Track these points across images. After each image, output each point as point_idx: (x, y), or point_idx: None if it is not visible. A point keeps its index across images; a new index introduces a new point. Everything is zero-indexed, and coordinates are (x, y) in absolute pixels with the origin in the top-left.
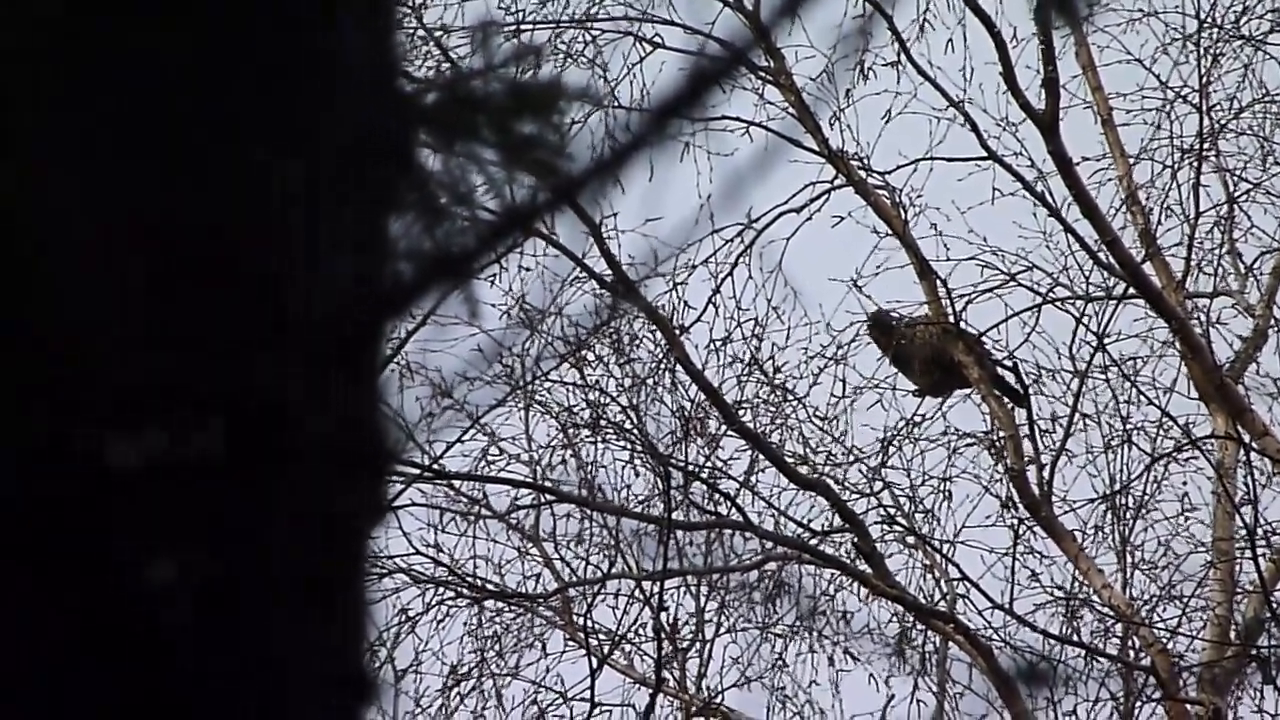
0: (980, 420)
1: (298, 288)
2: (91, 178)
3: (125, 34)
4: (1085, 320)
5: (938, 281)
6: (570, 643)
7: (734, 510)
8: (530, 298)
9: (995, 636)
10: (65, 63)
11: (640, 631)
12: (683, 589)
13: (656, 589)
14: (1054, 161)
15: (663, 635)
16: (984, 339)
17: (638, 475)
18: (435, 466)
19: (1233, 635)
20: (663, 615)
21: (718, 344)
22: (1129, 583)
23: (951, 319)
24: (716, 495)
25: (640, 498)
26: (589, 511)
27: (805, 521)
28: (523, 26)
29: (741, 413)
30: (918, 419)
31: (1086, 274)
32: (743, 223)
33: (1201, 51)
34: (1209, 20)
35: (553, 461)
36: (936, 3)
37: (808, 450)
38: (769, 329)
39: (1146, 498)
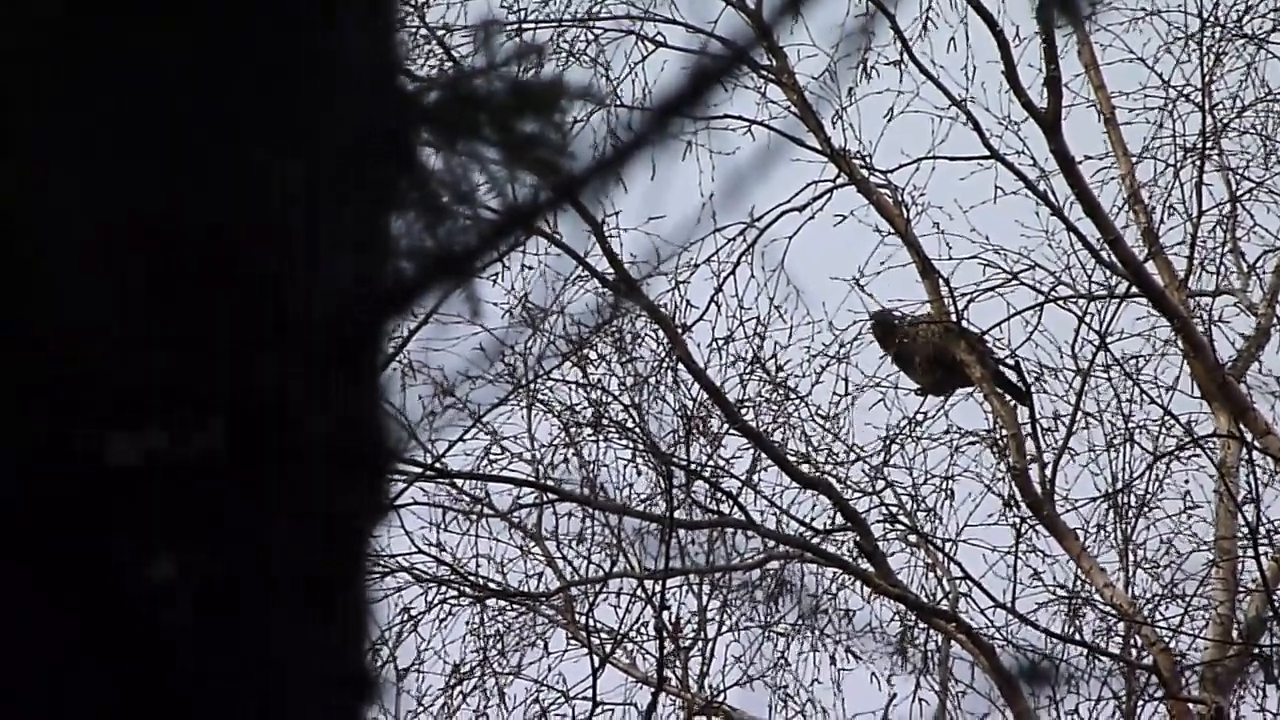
0: (982, 419)
1: (298, 288)
2: (91, 178)
3: (125, 34)
4: (1087, 319)
5: (940, 280)
6: (572, 642)
7: (736, 509)
8: (532, 296)
9: (997, 635)
10: (65, 63)
11: (642, 630)
12: (685, 588)
13: (658, 588)
14: (1056, 160)
15: (665, 634)
16: (986, 338)
17: (640, 474)
18: (437, 465)
19: (1235, 634)
20: (665, 614)
21: (720, 343)
22: (1131, 582)
23: (953, 318)
24: (719, 494)
25: (642, 496)
26: (591, 510)
27: (807, 520)
28: (525, 25)
29: (744, 411)
30: (920, 418)
31: (1089, 273)
32: (745, 221)
33: (1204, 50)
34: (1211, 19)
35: (555, 460)
36: (939, 1)
37: (810, 449)
38: (771, 328)
39: (1149, 496)
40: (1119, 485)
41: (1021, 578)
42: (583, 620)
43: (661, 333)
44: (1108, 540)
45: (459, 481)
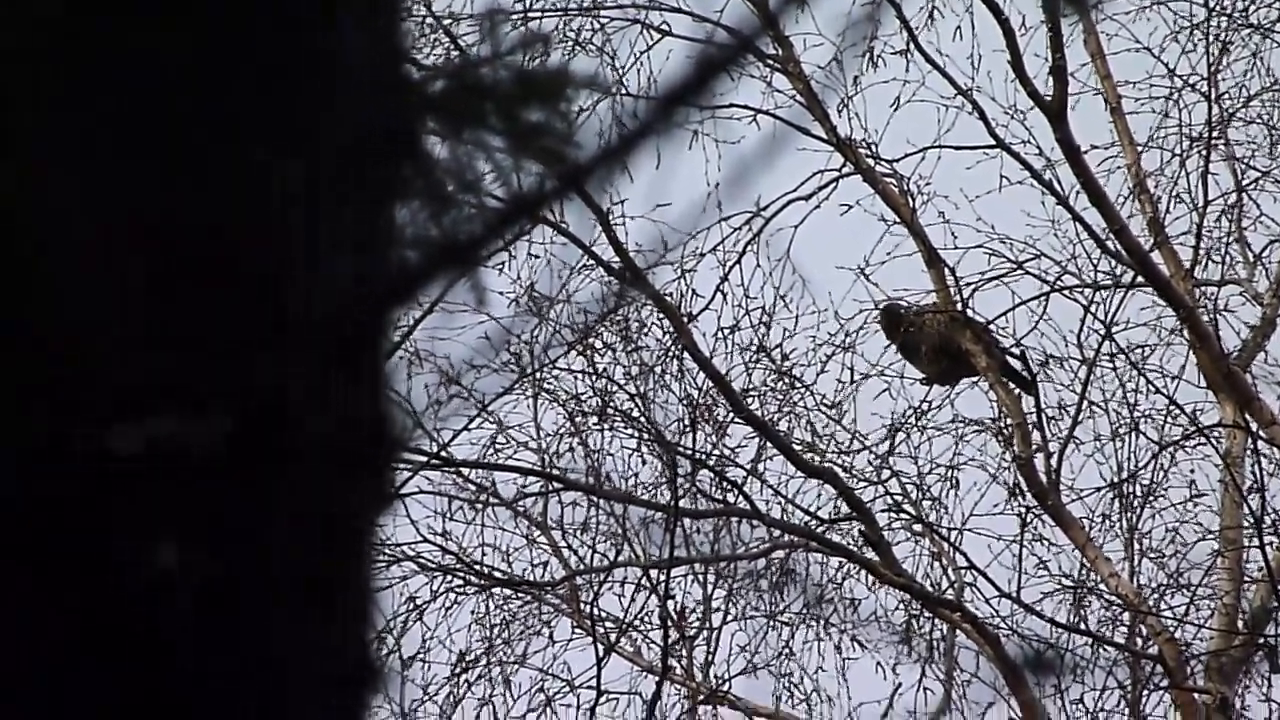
0: (988, 408)
1: (298, 288)
2: (91, 178)
3: (125, 34)
4: (1093, 308)
5: (945, 269)
6: (577, 630)
7: (741, 498)
8: (538, 285)
9: (1002, 625)
10: (65, 63)
11: (647, 619)
12: (690, 577)
13: (663, 577)
14: (1062, 150)
15: (670, 623)
16: (992, 327)
17: (645, 463)
18: (443, 454)
19: (1240, 624)
20: (670, 603)
21: (725, 332)
22: (1136, 571)
23: (959, 307)
24: (724, 483)
25: (648, 485)
26: (596, 499)
27: (812, 509)
28: (530, 14)
29: (749, 400)
30: (925, 407)
31: (1094, 262)
32: (751, 210)
33: (1210, 39)
34: (1217, 8)
35: (560, 449)
36: None
37: (815, 438)
38: (777, 317)
39: (1154, 486)
40: (1124, 475)
41: (1027, 567)
42: (588, 609)
43: (667, 322)
44: (1113, 530)
45: (464, 470)
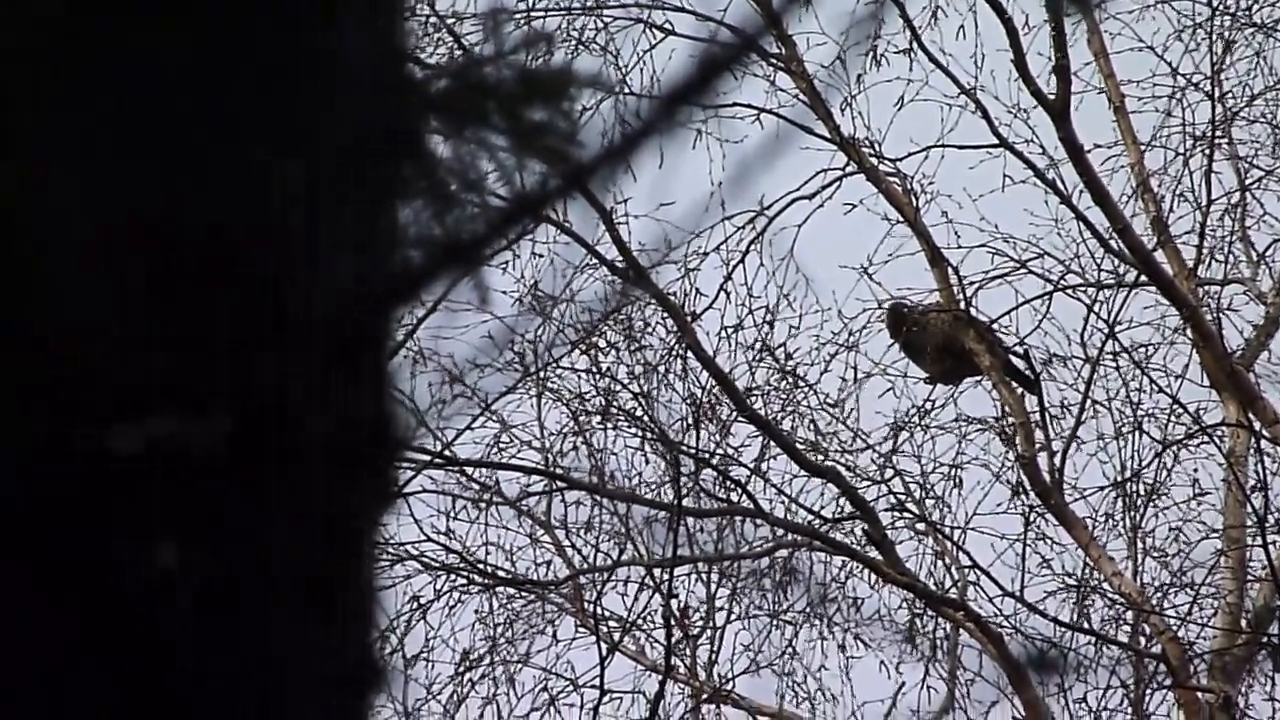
0: (991, 407)
1: (298, 288)
2: (91, 178)
3: (125, 34)
4: (1096, 307)
5: (949, 269)
6: (581, 629)
7: (745, 497)
8: (541, 284)
9: (1006, 624)
10: (65, 63)
11: (650, 618)
12: (693, 576)
13: (667, 576)
14: (1065, 149)
15: (673, 622)
16: (995, 326)
17: (648, 462)
18: (446, 453)
19: (1244, 623)
20: (673, 602)
21: (729, 331)
22: (1140, 570)
23: (962, 306)
24: (727, 482)
25: (651, 485)
26: (600, 498)
27: (816, 508)
28: (534, 13)
29: (752, 399)
30: (928, 406)
31: (1098, 261)
32: (754, 210)
33: (1214, 38)
34: (1221, 7)
35: (564, 448)
36: None
37: (818, 437)
38: (780, 316)
39: (1157, 485)
40: (1128, 474)
41: (1030, 566)
42: (591, 608)
43: (670, 321)
44: (1116, 529)
45: (468, 469)
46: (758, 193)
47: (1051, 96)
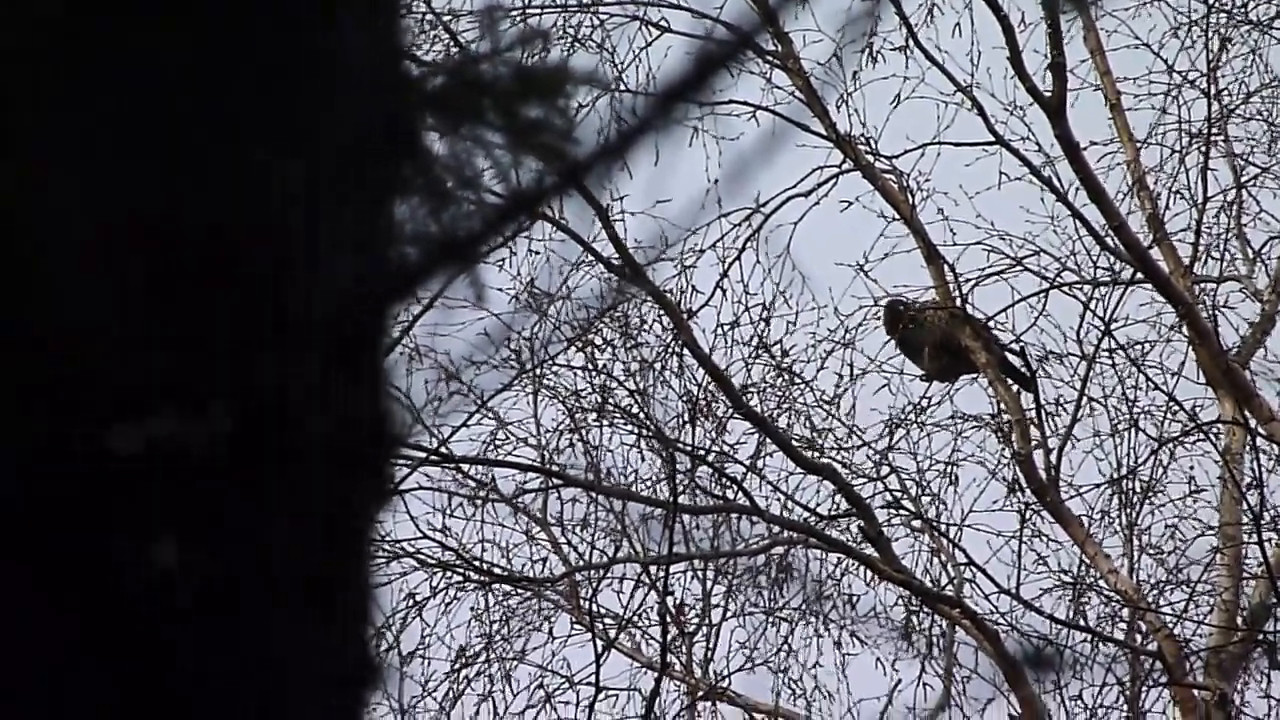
0: (987, 404)
1: (298, 288)
2: (91, 178)
3: (125, 34)
4: (1092, 305)
5: (944, 266)
6: (577, 626)
7: (741, 494)
8: (538, 281)
9: (1002, 621)
10: (65, 63)
11: (646, 615)
12: (689, 573)
13: (663, 573)
14: (1061, 146)
15: (669, 619)
16: (991, 323)
17: (644, 459)
18: (442, 450)
19: (1239, 620)
20: (669, 599)
21: (725, 328)
22: (1135, 567)
23: (958, 303)
24: (723, 479)
25: (647, 482)
26: (596, 495)
27: (812, 506)
28: (529, 10)
29: (748, 397)
30: (924, 403)
31: (1094, 258)
32: (750, 207)
33: (1210, 36)
34: (1217, 4)
35: (560, 445)
36: None
37: (814, 434)
38: (776, 313)
39: (1153, 482)
40: (1123, 471)
41: (1026, 563)
42: (587, 605)
43: (666, 318)
44: (1112, 526)
45: (464, 466)
46: (754, 190)
47: (1047, 94)
